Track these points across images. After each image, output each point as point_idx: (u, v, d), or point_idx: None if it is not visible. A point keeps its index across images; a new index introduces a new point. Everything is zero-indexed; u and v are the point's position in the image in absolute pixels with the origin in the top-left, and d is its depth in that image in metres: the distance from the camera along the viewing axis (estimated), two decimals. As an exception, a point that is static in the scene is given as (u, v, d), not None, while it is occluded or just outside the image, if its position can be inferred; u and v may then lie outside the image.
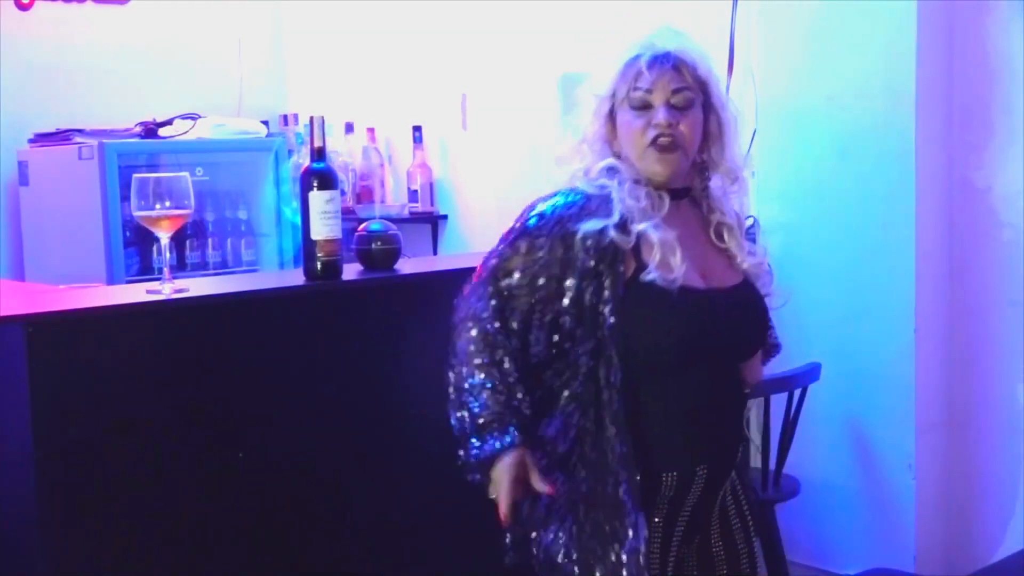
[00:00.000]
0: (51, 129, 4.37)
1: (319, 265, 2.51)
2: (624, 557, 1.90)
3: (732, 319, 2.03)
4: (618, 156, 2.05)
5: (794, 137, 3.50)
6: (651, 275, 1.92)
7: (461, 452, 2.00)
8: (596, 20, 3.77)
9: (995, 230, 3.27)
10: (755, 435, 3.49)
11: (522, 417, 1.95)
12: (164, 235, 2.39)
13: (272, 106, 5.04)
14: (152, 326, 2.31)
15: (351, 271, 2.64)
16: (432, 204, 4.54)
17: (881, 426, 3.37)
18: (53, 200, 4.34)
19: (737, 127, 2.13)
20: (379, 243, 2.68)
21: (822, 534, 3.51)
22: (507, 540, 2.05)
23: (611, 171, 2.02)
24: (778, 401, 3.22)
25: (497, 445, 1.93)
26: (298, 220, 2.59)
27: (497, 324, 1.97)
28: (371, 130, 4.70)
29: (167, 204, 2.34)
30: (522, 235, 1.98)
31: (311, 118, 2.57)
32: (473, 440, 1.97)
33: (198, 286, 2.58)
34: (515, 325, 1.97)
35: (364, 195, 4.67)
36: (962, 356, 3.35)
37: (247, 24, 5.08)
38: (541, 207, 2.00)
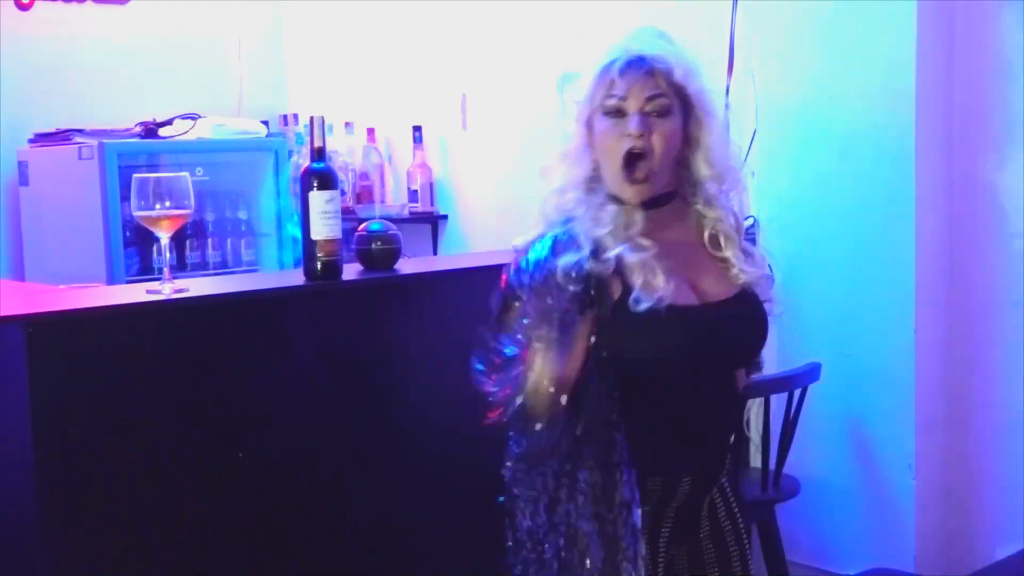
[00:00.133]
0: (51, 129, 4.37)
1: (319, 265, 2.51)
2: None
3: (726, 334, 2.00)
4: (598, 164, 2.03)
5: (794, 137, 3.50)
6: (637, 300, 1.88)
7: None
8: (596, 20, 3.77)
9: (995, 230, 3.27)
10: (755, 435, 3.49)
11: None
12: (164, 235, 2.39)
13: (272, 106, 5.05)
14: (152, 326, 2.31)
15: (351, 271, 2.64)
16: (432, 204, 4.54)
17: (881, 426, 3.37)
18: (53, 200, 4.34)
19: (724, 127, 2.09)
20: (379, 243, 2.68)
21: (822, 534, 3.51)
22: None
23: (583, 194, 2.00)
24: (778, 401, 3.22)
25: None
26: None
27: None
28: (371, 130, 4.70)
29: (167, 204, 2.34)
30: (509, 295, 1.94)
31: (311, 118, 2.57)
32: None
33: (198, 286, 2.58)
34: None
35: (364, 195, 4.67)
36: (962, 356, 3.35)
37: (247, 24, 5.08)
38: (520, 261, 1.95)
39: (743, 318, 2.03)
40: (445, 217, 4.57)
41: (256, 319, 2.47)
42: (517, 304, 1.90)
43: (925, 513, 3.33)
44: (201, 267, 4.48)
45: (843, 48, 3.37)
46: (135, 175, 2.37)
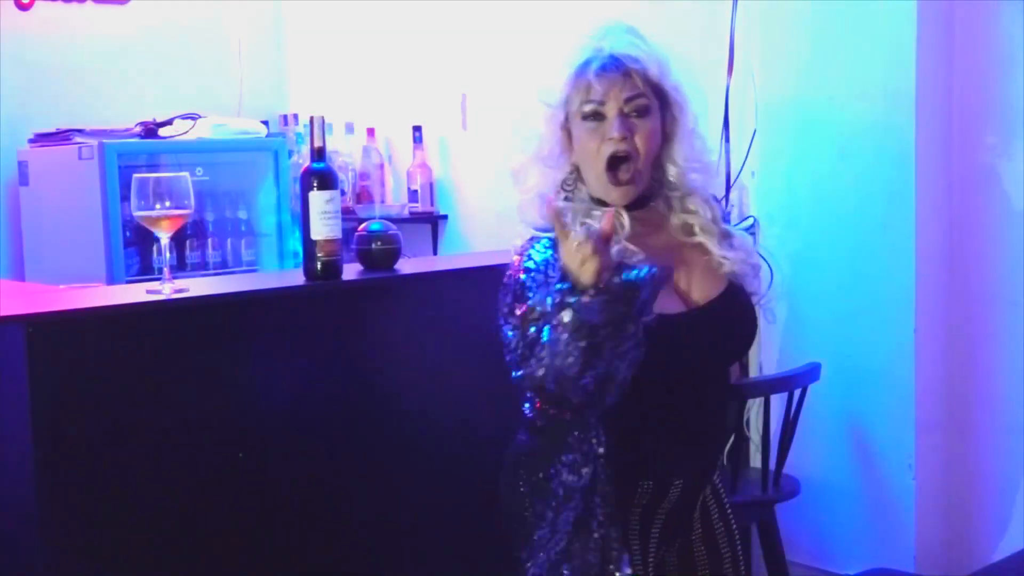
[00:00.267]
0: (51, 129, 4.36)
1: (319, 265, 2.51)
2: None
3: (715, 337, 1.98)
4: (576, 167, 2.02)
5: (794, 137, 3.50)
6: None
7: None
8: (596, 20, 3.76)
9: (995, 230, 3.27)
10: (755, 435, 3.49)
11: None
12: (164, 235, 2.39)
13: (272, 106, 5.05)
14: (152, 326, 2.31)
15: (351, 271, 2.64)
16: (432, 204, 4.54)
17: (881, 426, 3.37)
18: (53, 200, 4.34)
19: (696, 119, 2.03)
20: (379, 243, 2.68)
21: (822, 534, 3.51)
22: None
23: (563, 197, 1.98)
24: (778, 401, 3.22)
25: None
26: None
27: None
28: (371, 130, 4.70)
29: (167, 204, 2.34)
30: (521, 294, 1.91)
31: (311, 118, 2.57)
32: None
33: (198, 286, 2.58)
34: None
35: (364, 195, 4.67)
36: (962, 356, 3.35)
37: (247, 24, 5.07)
38: (526, 263, 1.93)
39: (731, 317, 2.02)
40: (445, 217, 4.57)
41: (256, 319, 2.47)
42: (530, 304, 1.87)
43: (925, 513, 3.33)
44: (201, 267, 4.48)
45: (843, 48, 3.37)
46: (135, 175, 2.37)
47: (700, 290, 2.00)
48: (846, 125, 3.37)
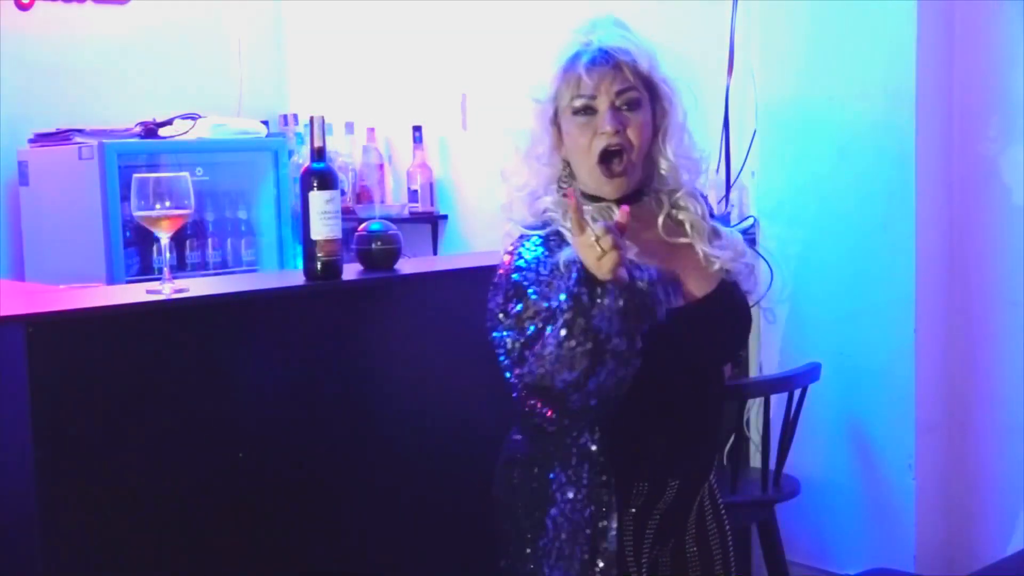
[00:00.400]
0: (51, 129, 4.36)
1: (319, 265, 2.51)
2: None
3: (709, 333, 1.97)
4: (568, 163, 2.00)
5: (794, 137, 3.50)
6: None
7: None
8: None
9: (995, 230, 3.27)
10: (755, 435, 3.49)
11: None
12: (164, 235, 2.39)
13: (272, 106, 5.05)
14: (152, 326, 2.31)
15: (351, 271, 2.64)
16: (432, 204, 4.54)
17: (881, 426, 3.37)
18: (53, 200, 4.34)
19: (685, 114, 2.01)
20: (379, 243, 2.68)
21: (822, 534, 3.51)
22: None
23: (556, 195, 1.97)
24: (778, 401, 3.22)
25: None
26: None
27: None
28: (371, 130, 4.70)
29: (167, 204, 2.34)
30: (514, 292, 1.89)
31: (311, 118, 2.57)
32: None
33: (198, 286, 2.58)
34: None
35: (364, 195, 4.67)
36: (962, 356, 3.35)
37: (247, 24, 5.07)
38: (517, 262, 1.91)
39: (724, 313, 2.00)
40: (445, 217, 4.57)
41: (256, 319, 2.47)
42: (526, 299, 1.86)
43: (925, 513, 3.33)
44: (201, 267, 4.48)
45: (843, 48, 3.36)
46: (135, 175, 2.37)
47: (693, 287, 1.98)
48: (846, 125, 3.37)
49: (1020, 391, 3.22)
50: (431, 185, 4.54)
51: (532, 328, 1.83)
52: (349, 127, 4.70)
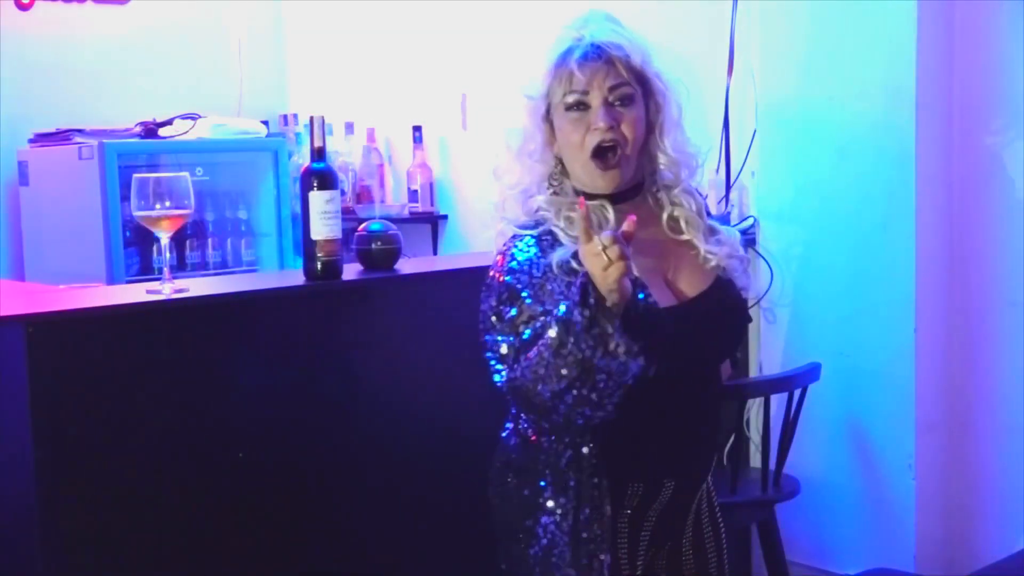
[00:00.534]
0: (51, 129, 4.36)
1: (319, 265, 2.51)
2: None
3: (705, 331, 1.95)
4: (560, 160, 1.98)
5: (794, 137, 3.50)
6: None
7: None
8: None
9: (995, 230, 3.27)
10: (755, 435, 3.49)
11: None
12: (164, 235, 2.39)
13: (272, 106, 5.04)
14: (152, 326, 2.31)
15: (351, 271, 2.64)
16: (432, 204, 4.54)
17: (881, 426, 3.37)
18: (53, 200, 4.34)
19: (679, 109, 1.99)
20: (379, 243, 2.68)
21: (822, 534, 3.51)
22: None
23: (548, 193, 1.96)
24: (778, 401, 3.22)
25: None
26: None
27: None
28: (371, 130, 4.70)
29: (167, 204, 2.34)
30: (508, 295, 1.88)
31: (311, 118, 2.58)
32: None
33: (198, 286, 2.58)
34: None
35: (364, 195, 4.67)
36: (962, 356, 3.35)
37: (247, 24, 5.07)
38: (510, 263, 1.91)
39: (721, 311, 1.99)
40: (445, 217, 4.57)
41: (256, 319, 2.47)
42: (520, 302, 1.86)
43: (925, 513, 3.33)
44: (201, 267, 4.48)
45: (843, 48, 3.36)
46: (135, 175, 2.37)
47: (688, 285, 1.97)
48: (846, 125, 3.37)
49: (1020, 391, 3.22)
50: (431, 185, 4.54)
51: (528, 332, 1.82)
52: (349, 127, 4.70)
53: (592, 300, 1.73)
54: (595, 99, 1.92)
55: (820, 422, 3.42)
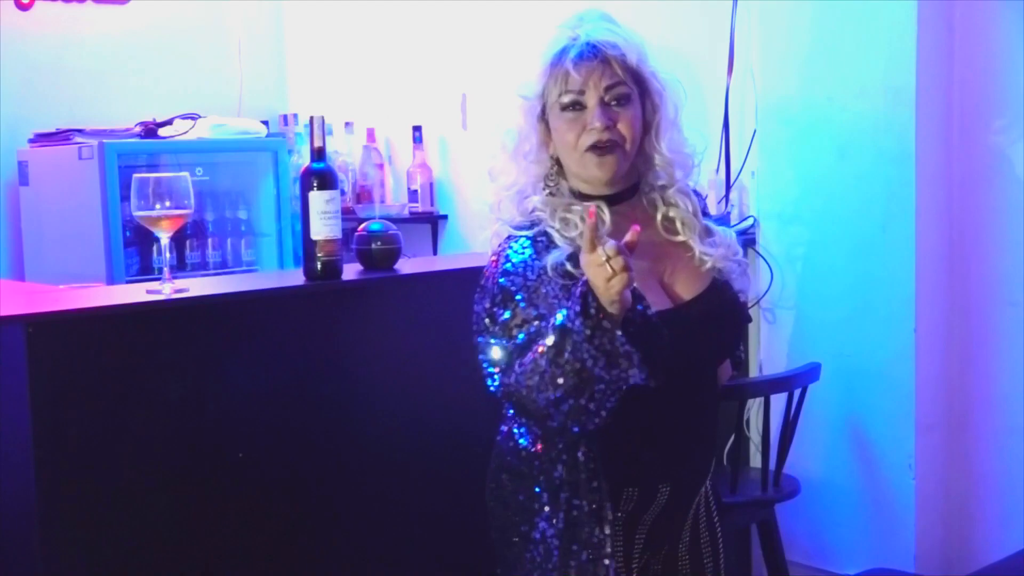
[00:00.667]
0: (51, 129, 4.37)
1: (319, 265, 2.51)
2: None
3: (702, 334, 1.94)
4: (557, 160, 1.97)
5: (794, 137, 3.50)
6: None
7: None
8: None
9: (995, 230, 3.27)
10: (755, 435, 3.49)
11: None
12: (164, 235, 2.39)
13: (272, 106, 5.05)
14: (152, 326, 2.31)
15: (351, 271, 2.64)
16: (432, 204, 4.54)
17: (881, 426, 3.37)
18: (53, 200, 4.34)
19: (676, 108, 1.98)
20: (379, 243, 2.68)
21: (822, 534, 3.51)
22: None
23: (544, 194, 1.95)
24: (778, 401, 3.22)
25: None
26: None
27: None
28: (371, 130, 4.70)
29: (167, 204, 2.34)
30: (502, 298, 1.87)
31: (311, 118, 2.58)
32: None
33: (198, 286, 2.58)
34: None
35: (364, 195, 4.67)
36: (962, 356, 3.35)
37: (247, 24, 5.07)
38: (504, 265, 1.90)
39: (717, 312, 1.97)
40: (445, 217, 4.57)
41: (256, 319, 2.47)
42: (514, 305, 1.85)
43: (925, 513, 3.32)
44: (201, 267, 4.48)
45: (843, 48, 3.36)
46: (135, 175, 2.37)
47: (684, 287, 1.96)
48: (846, 124, 3.37)
49: (1020, 391, 3.22)
50: (431, 185, 4.54)
51: (522, 336, 1.81)
52: (349, 127, 4.70)
53: (593, 310, 1.71)
54: (591, 98, 1.90)
55: (820, 422, 3.42)
